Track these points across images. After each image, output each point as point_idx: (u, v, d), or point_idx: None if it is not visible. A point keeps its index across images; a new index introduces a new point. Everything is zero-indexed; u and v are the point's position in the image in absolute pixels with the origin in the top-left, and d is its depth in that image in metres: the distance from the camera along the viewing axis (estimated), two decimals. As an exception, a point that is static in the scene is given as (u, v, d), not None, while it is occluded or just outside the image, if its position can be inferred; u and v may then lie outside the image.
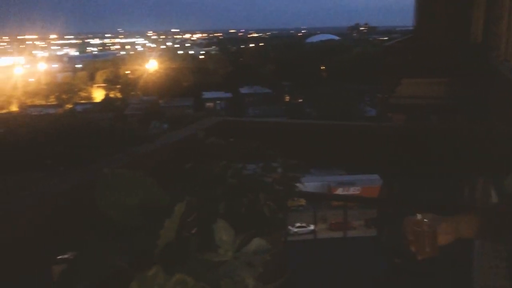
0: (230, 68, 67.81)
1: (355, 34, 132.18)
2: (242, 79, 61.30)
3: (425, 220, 1.52)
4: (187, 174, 1.71)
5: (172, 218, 1.14)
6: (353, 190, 26.38)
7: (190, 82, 64.03)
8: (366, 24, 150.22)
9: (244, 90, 59.68)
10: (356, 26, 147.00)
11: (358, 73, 55.05)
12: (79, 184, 1.47)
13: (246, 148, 1.99)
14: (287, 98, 59.65)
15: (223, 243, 1.23)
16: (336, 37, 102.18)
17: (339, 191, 26.25)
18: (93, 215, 1.28)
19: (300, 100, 55.72)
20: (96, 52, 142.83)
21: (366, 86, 49.71)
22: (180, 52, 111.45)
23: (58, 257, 1.41)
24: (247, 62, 71.98)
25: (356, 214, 20.43)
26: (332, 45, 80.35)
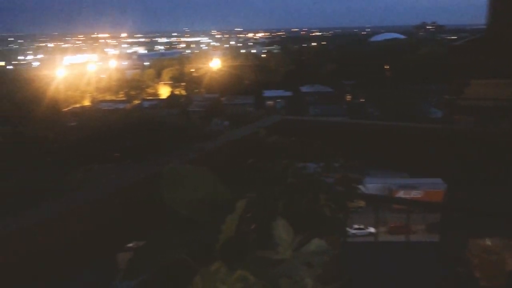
0: (291, 66, 67.64)
1: (421, 33, 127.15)
2: (303, 78, 60.97)
3: (493, 245, 1.43)
4: (248, 172, 1.74)
5: (233, 214, 1.16)
6: (414, 194, 25.52)
7: (252, 80, 64.61)
8: (433, 22, 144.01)
9: (305, 88, 59.31)
10: (423, 25, 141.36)
11: (424, 73, 53.01)
12: (145, 178, 1.53)
13: (307, 148, 1.99)
14: (349, 97, 58.59)
15: (282, 241, 1.23)
16: (402, 36, 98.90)
17: (401, 194, 25.50)
18: (159, 208, 1.34)
19: (362, 100, 54.53)
20: (163, 51, 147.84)
21: (432, 86, 47.75)
22: (242, 50, 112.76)
23: (125, 246, 1.48)
24: (309, 60, 71.48)
25: (417, 218, 19.73)
26: (397, 44, 77.92)
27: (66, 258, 1.27)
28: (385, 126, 2.45)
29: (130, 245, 1.49)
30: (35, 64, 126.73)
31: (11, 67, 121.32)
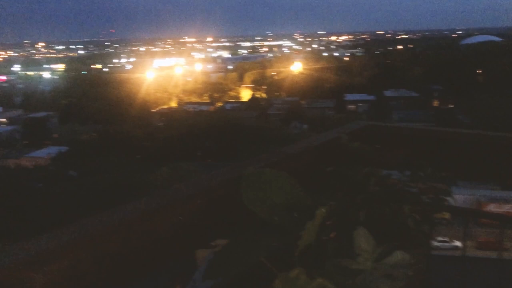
0: (375, 70, 65.80)
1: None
2: (387, 82, 59.03)
3: None
4: (329, 178, 1.71)
5: (313, 221, 1.15)
6: (508, 208, 23.66)
7: (333, 84, 63.81)
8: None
9: (389, 93, 57.38)
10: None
11: (523, 77, 48.92)
12: (228, 179, 1.57)
13: (392, 155, 1.91)
14: (436, 103, 55.68)
15: (362, 251, 1.20)
16: (498, 39, 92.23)
17: (491, 207, 23.77)
18: (240, 209, 1.36)
19: (451, 106, 51.56)
20: (246, 54, 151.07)
21: (533, 92, 43.93)
22: (325, 54, 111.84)
23: (206, 243, 1.53)
24: (394, 64, 69.07)
25: (510, 233, 18.30)
26: (492, 47, 72.79)
27: (152, 253, 1.33)
28: (476, 135, 2.29)
29: (212, 244, 1.53)
30: (128, 67, 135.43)
31: (106, 69, 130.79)
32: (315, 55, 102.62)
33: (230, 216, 1.52)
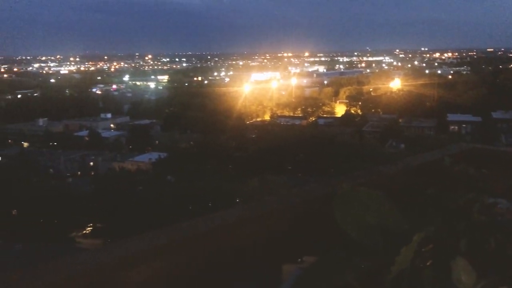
0: (483, 89, 61.36)
1: None
2: (496, 103, 54.70)
3: None
4: (427, 202, 1.62)
5: (409, 246, 1.09)
6: None
7: (434, 102, 60.64)
8: None
9: (497, 114, 53.09)
10: None
11: None
12: (319, 195, 1.55)
13: (499, 182, 1.76)
14: (554, 127, 50.41)
15: (461, 284, 1.11)
16: None
17: None
18: (328, 227, 1.33)
19: None
20: (343, 70, 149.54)
21: None
22: (427, 71, 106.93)
23: (291, 259, 1.51)
24: (505, 83, 63.89)
25: None
26: None
27: (238, 263, 1.35)
28: None
29: (299, 260, 1.52)
30: (226, 80, 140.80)
31: (206, 82, 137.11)
32: (416, 72, 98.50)
33: (318, 233, 1.49)
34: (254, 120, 67.07)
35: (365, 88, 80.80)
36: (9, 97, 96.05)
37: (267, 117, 69.44)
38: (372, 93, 76.91)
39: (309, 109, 72.33)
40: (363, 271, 1.18)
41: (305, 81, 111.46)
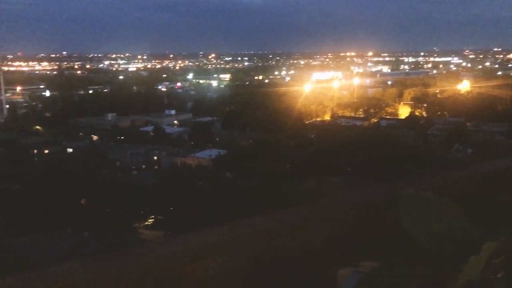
0: None
1: None
2: None
3: None
4: (498, 210, 1.53)
5: (479, 256, 1.04)
6: None
7: (507, 106, 57.13)
8: None
9: None
10: None
11: None
12: (381, 199, 1.51)
13: None
14: None
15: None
16: None
17: None
18: (389, 231, 1.30)
19: None
20: (407, 70, 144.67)
21: None
22: (499, 72, 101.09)
23: (349, 262, 1.49)
24: None
25: None
26: None
27: (297, 262, 1.35)
28: None
29: (356, 264, 1.49)
30: (287, 79, 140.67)
31: (267, 81, 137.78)
32: (487, 74, 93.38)
33: (378, 238, 1.46)
34: (313, 120, 66.50)
35: (431, 89, 77.64)
36: (82, 92, 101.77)
37: (327, 117, 68.61)
38: (439, 95, 73.78)
39: (371, 110, 70.62)
40: (428, 279, 1.14)
41: (368, 81, 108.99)
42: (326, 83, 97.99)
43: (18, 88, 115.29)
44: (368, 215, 1.49)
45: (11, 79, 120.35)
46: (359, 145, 36.66)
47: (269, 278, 1.29)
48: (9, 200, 28.49)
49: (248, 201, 24.04)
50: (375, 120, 63.12)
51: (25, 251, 20.56)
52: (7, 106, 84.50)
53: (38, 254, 21.23)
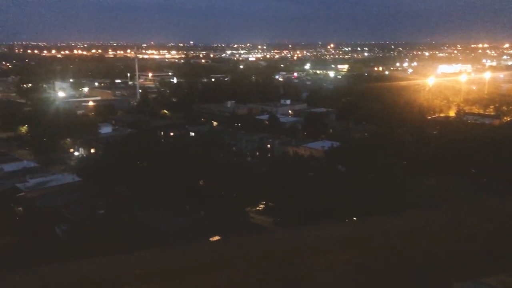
0: None
1: None
2: None
3: None
4: None
5: None
6: None
7: None
8: None
9: None
10: None
11: None
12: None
13: None
14: None
15: None
16: None
17: None
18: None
19: None
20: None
21: None
22: None
23: (468, 277, 1.38)
24: None
25: None
26: None
27: (415, 268, 1.29)
28: None
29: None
30: (409, 71, 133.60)
31: (387, 72, 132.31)
32: None
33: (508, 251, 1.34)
34: (436, 115, 62.40)
35: None
36: (205, 80, 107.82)
37: (452, 113, 63.87)
38: None
39: (503, 107, 64.11)
40: None
41: (502, 75, 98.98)
42: (453, 77, 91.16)
43: (150, 75, 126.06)
44: (504, 226, 1.38)
45: (144, 66, 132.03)
46: (488, 145, 33.58)
47: (383, 279, 1.26)
48: (137, 176, 31.42)
49: (360, 195, 23.44)
50: (509, 119, 57.19)
51: (149, 223, 22.56)
52: (140, 90, 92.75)
53: (159, 227, 23.21)
